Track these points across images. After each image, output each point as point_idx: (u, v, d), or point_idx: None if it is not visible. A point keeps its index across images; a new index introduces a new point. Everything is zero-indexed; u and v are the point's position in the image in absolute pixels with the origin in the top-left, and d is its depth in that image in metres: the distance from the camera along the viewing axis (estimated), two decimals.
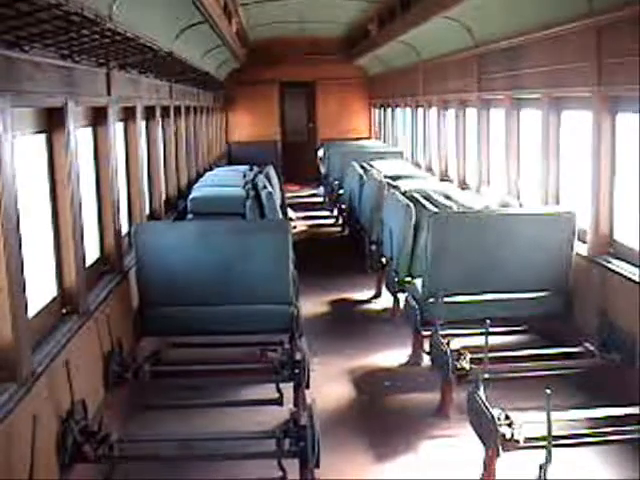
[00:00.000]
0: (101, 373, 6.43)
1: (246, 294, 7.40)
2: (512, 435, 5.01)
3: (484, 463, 5.31)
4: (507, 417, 5.11)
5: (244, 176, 13.01)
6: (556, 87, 8.19)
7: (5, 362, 4.58)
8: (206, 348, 7.67)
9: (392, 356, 8.25)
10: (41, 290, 5.65)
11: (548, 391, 4.39)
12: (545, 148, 8.60)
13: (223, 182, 11.95)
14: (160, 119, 11.09)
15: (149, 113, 10.39)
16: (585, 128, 7.59)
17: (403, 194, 9.78)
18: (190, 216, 10.02)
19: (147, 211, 9.89)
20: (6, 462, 4.26)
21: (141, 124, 9.33)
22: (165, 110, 11.77)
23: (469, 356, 6.53)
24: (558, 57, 8.04)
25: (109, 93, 7.37)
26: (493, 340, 6.41)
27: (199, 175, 14.49)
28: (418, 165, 16.44)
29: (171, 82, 11.92)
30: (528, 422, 5.06)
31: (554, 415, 4.49)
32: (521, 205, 9.43)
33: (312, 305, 10.17)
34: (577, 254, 7.49)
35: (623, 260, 6.89)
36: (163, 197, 11.17)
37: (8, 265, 4.50)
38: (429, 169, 15.37)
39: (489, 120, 11.25)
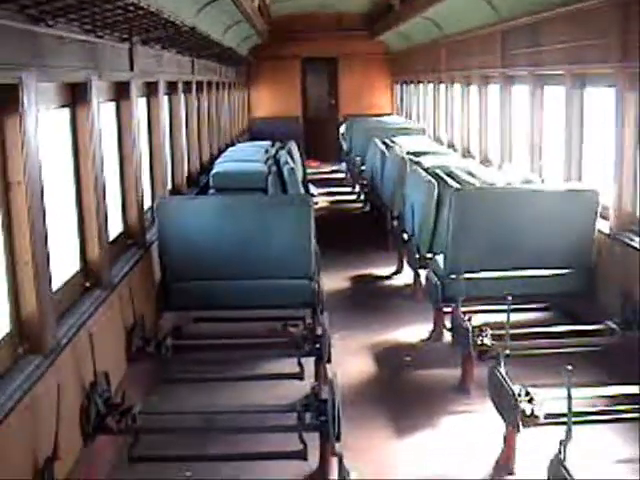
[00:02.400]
0: (124, 346, 6.48)
1: (268, 268, 7.42)
2: (532, 411, 5.02)
3: (504, 439, 5.34)
4: (527, 393, 5.11)
5: (266, 152, 12.98)
6: (579, 63, 8.12)
7: (30, 334, 4.63)
8: (228, 323, 7.71)
9: (413, 332, 8.26)
10: (65, 263, 5.70)
11: (569, 367, 4.38)
12: (568, 125, 8.54)
13: (245, 157, 11.93)
14: (182, 94, 11.10)
15: (171, 88, 10.40)
16: (609, 105, 7.52)
17: (425, 170, 9.75)
18: (212, 191, 10.02)
19: (169, 186, 9.93)
20: (32, 432, 4.32)
21: (163, 99, 9.35)
22: (187, 85, 11.77)
23: (490, 332, 6.52)
24: (582, 33, 7.97)
25: (132, 68, 7.38)
26: (514, 317, 6.40)
27: (221, 150, 14.50)
28: (440, 141, 16.37)
29: (193, 57, 11.91)
30: (548, 399, 5.07)
31: (575, 392, 4.48)
32: (543, 182, 9.38)
33: (333, 281, 10.18)
34: (599, 231, 7.45)
35: None
36: (185, 172, 11.21)
37: (32, 238, 4.54)
38: (451, 146, 15.30)
39: (512, 96, 11.18)
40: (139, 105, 7.92)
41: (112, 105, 7.30)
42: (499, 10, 10.62)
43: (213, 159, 12.89)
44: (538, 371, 6.39)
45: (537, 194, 7.63)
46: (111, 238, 6.61)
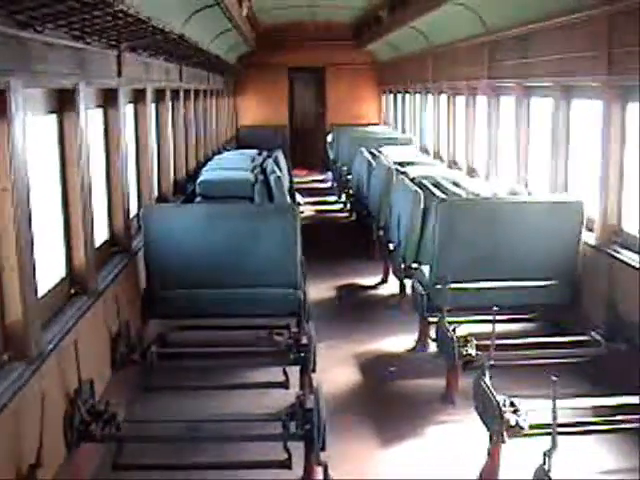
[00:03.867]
0: (109, 354, 6.45)
1: (254, 277, 7.41)
2: (517, 422, 5.01)
3: (489, 449, 5.32)
4: (512, 404, 5.10)
5: (253, 160, 13.01)
6: (566, 76, 8.14)
7: (14, 341, 4.61)
8: (213, 331, 7.67)
9: (398, 342, 8.25)
10: (50, 270, 5.67)
11: (554, 378, 4.38)
12: (555, 137, 8.57)
13: (232, 166, 11.96)
14: (170, 102, 11.08)
15: (159, 96, 10.39)
16: (595, 117, 7.56)
17: (412, 180, 9.77)
18: (199, 199, 10.04)
19: (156, 193, 9.91)
20: (15, 439, 4.29)
21: (151, 106, 9.33)
22: (175, 93, 11.76)
23: (475, 343, 6.53)
24: (569, 45, 8.00)
25: (120, 75, 7.37)
26: (500, 328, 6.32)
27: (208, 158, 14.49)
28: (427, 152, 16.39)
29: (181, 65, 11.91)
30: (533, 409, 5.07)
31: (559, 403, 4.48)
32: (529, 193, 9.41)
33: (319, 290, 10.18)
34: (585, 243, 7.48)
35: (631, 250, 6.87)
36: (172, 180, 11.19)
37: (18, 245, 4.52)
38: (438, 156, 15.32)
39: (499, 108, 11.20)
40: (127, 112, 7.90)
41: (100, 112, 7.28)
42: (486, 22, 10.66)
43: (200, 167, 12.89)
44: (523, 382, 6.41)
45: (523, 205, 7.66)
46: (97, 245, 6.58)
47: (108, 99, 7.33)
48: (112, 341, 6.51)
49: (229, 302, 7.41)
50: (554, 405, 4.41)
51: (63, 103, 5.86)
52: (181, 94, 12.18)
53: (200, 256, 7.37)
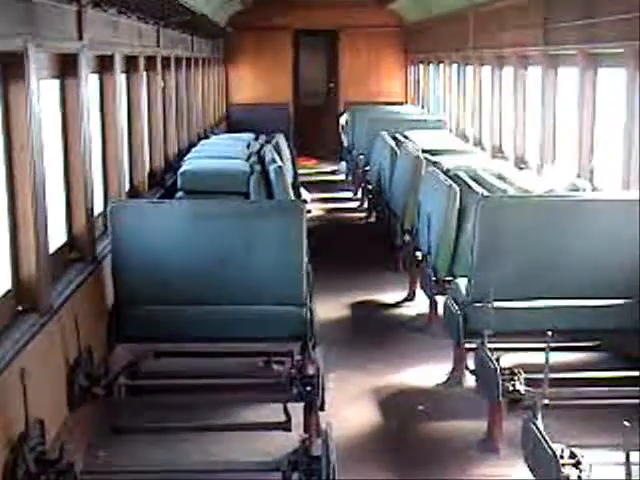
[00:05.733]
0: (65, 387, 6.40)
1: (248, 292, 7.39)
2: (579, 478, 4.92)
3: None
4: (572, 455, 5.02)
5: (248, 146, 13.08)
6: None
7: None
8: (197, 358, 7.65)
9: (428, 373, 8.26)
10: None
11: (626, 424, 4.30)
12: (630, 118, 8.48)
13: (222, 153, 11.99)
14: (144, 72, 11.11)
15: (130, 64, 10.41)
16: None
17: (445, 173, 9.75)
18: (180, 194, 10.10)
19: (127, 187, 9.90)
20: None
21: (120, 77, 9.32)
22: (150, 61, 11.80)
23: (524, 376, 6.47)
24: None
25: (81, 37, 7.34)
26: (555, 358, 6.32)
27: (192, 144, 14.55)
28: (465, 137, 16.40)
29: (159, 26, 11.96)
30: (600, 463, 4.98)
31: (634, 455, 4.40)
32: (595, 189, 9.33)
33: (330, 308, 10.18)
34: None
35: None
36: (147, 170, 11.23)
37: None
38: (479, 143, 15.33)
39: (557, 82, 11.15)
40: (89, 84, 7.85)
41: (56, 83, 7.25)
42: None
43: (182, 154, 12.95)
44: (585, 426, 6.40)
45: (586, 205, 7.58)
46: (52, 250, 6.56)
47: (66, 67, 7.29)
48: (69, 371, 6.46)
49: (217, 323, 7.37)
50: (627, 458, 4.33)
51: (8, 71, 5.81)
52: (158, 63, 12.22)
53: (181, 265, 7.34)
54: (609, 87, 9.41)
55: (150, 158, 11.67)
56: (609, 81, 9.42)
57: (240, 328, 7.37)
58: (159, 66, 12.30)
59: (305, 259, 7.53)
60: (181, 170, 10.39)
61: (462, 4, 15.70)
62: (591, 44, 9.51)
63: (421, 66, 22.25)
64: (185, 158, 11.67)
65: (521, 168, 12.06)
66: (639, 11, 8.02)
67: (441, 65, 19.40)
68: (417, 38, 22.57)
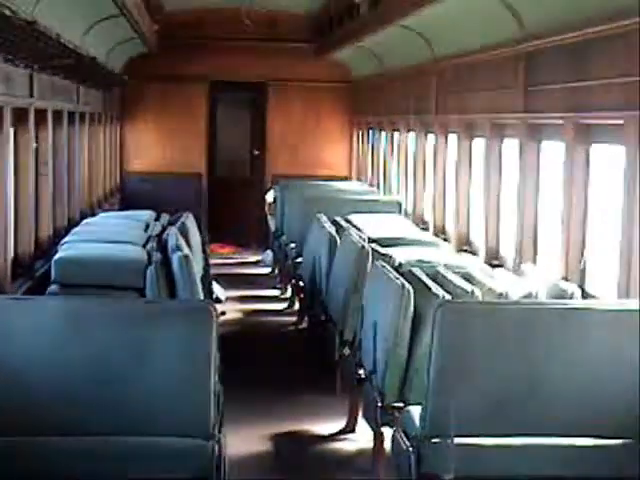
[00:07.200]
0: None
1: (139, 419, 7.28)
2: None
3: None
4: None
5: (146, 228, 13.13)
6: None
7: None
8: None
9: None
10: None
11: None
12: (629, 205, 8.56)
13: (111, 236, 11.96)
14: (11, 129, 11.00)
15: None
16: None
17: (397, 269, 9.77)
18: (54, 288, 10.06)
19: None
20: None
21: None
22: (21, 115, 11.74)
23: None
24: None
25: None
26: None
27: (73, 223, 14.55)
28: (424, 224, 16.47)
29: (32, 70, 11.93)
30: None
31: None
32: (586, 296, 9.37)
33: (245, 441, 10.07)
34: None
35: None
36: (11, 255, 11.13)
37: None
38: (441, 231, 15.42)
39: (539, 159, 11.25)
40: None
41: None
42: (524, 20, 10.75)
43: (59, 237, 12.93)
44: None
45: (574, 315, 7.55)
46: None
47: None
48: None
49: (97, 458, 7.22)
50: None
51: None
52: (31, 117, 12.22)
53: (51, 382, 7.21)
54: (604, 165, 9.53)
55: (15, 240, 11.62)
56: (603, 158, 9.55)
57: (128, 466, 7.21)
58: (32, 121, 12.28)
59: (214, 377, 7.44)
60: (56, 257, 10.35)
61: (423, 57, 15.88)
62: (582, 112, 9.64)
63: (371, 132, 22.45)
64: (62, 241, 11.62)
65: (494, 265, 12.12)
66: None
67: (396, 132, 19.57)
68: (367, 97, 22.83)
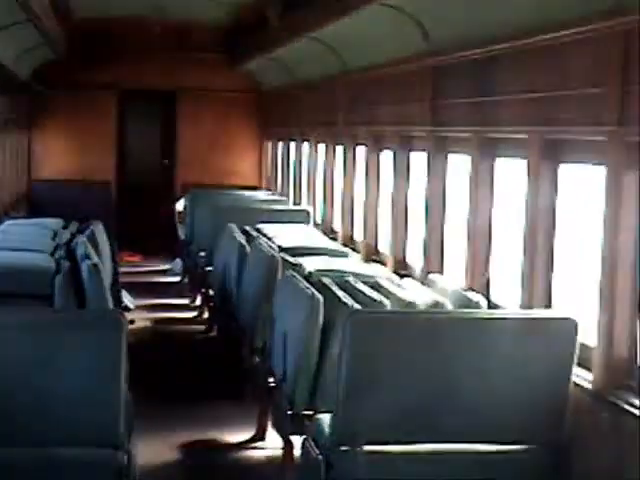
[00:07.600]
0: None
1: (45, 430, 7.18)
2: None
3: None
4: None
5: (54, 236, 12.99)
6: (554, 124, 8.32)
7: None
8: None
9: None
10: None
11: None
12: (531, 218, 8.67)
13: (17, 244, 11.89)
14: None
15: None
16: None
17: (307, 279, 9.81)
18: None
19: None
20: None
21: None
22: None
23: None
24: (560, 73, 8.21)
25: None
26: None
27: None
28: (334, 233, 16.51)
29: None
30: None
31: None
32: (491, 305, 9.46)
33: (155, 451, 10.02)
34: (577, 386, 7.49)
35: None
36: None
37: None
38: (350, 240, 15.44)
39: (446, 170, 11.33)
40: None
41: None
42: (431, 35, 10.83)
43: None
44: None
45: (479, 323, 7.65)
46: None
47: None
48: None
49: (1, 471, 7.09)
50: None
51: None
52: None
53: None
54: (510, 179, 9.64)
55: None
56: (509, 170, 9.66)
57: (36, 478, 7.17)
58: None
59: (124, 386, 7.37)
60: None
61: (333, 69, 15.92)
62: (487, 127, 9.75)
63: (281, 143, 22.47)
64: None
65: (402, 275, 12.18)
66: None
67: (305, 143, 19.61)
68: (276, 108, 22.83)
